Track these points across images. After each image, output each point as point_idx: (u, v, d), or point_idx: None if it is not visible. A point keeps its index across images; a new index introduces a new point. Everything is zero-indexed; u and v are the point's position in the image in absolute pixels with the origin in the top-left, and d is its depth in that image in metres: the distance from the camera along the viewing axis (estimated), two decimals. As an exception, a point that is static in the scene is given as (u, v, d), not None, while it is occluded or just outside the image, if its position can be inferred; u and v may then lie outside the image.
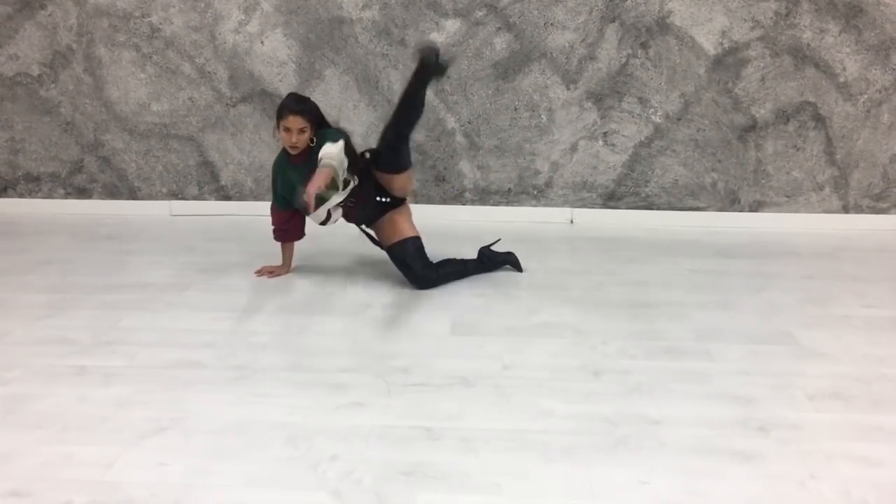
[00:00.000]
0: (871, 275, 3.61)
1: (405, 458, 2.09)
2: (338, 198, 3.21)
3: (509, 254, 3.61)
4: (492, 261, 3.57)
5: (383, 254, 3.51)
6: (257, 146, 4.52)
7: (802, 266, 3.73)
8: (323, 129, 3.24)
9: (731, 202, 4.44)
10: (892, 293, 3.37)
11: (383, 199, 3.35)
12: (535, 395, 2.43)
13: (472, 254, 3.55)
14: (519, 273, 3.58)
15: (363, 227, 3.48)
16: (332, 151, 3.02)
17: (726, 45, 4.19)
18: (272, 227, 3.47)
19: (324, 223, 3.31)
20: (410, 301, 3.24)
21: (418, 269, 3.33)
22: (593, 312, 3.12)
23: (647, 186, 4.45)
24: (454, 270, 3.47)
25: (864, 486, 1.97)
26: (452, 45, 4.26)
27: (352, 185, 3.21)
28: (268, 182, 4.54)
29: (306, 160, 3.18)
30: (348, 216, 3.36)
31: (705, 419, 2.29)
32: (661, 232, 4.33)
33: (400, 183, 3.34)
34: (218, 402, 2.39)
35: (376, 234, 3.47)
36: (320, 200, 3.12)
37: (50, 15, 4.36)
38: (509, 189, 4.49)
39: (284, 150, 3.29)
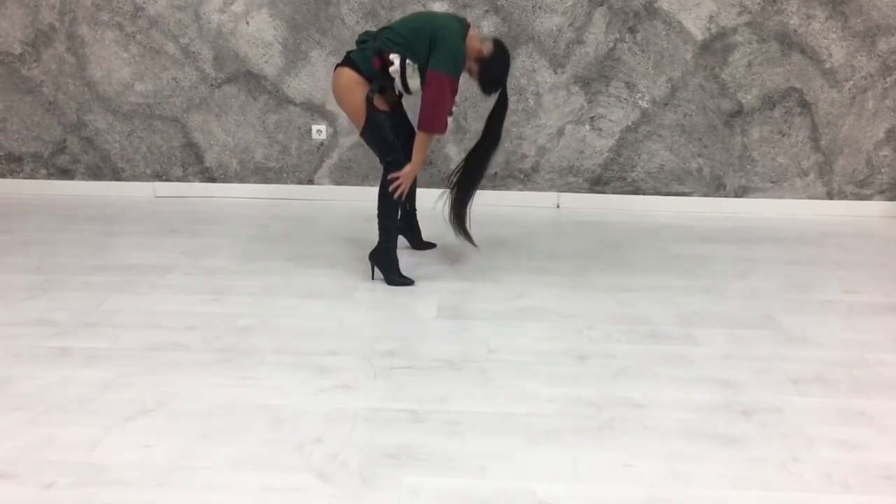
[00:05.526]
0: (854, 261, 3.64)
1: (391, 441, 2.09)
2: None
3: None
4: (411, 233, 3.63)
5: (369, 237, 3.51)
6: (242, 127, 4.48)
7: (786, 251, 3.76)
8: None
9: (717, 187, 4.46)
10: (875, 279, 3.40)
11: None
12: (520, 379, 2.44)
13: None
14: (503, 256, 3.58)
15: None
16: None
17: (713, 31, 4.19)
18: (446, 114, 3.28)
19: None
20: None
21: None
22: (579, 296, 3.14)
23: (633, 171, 4.45)
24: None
25: (845, 468, 2.00)
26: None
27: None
28: (253, 163, 4.52)
29: None
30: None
31: (689, 403, 2.31)
32: (646, 217, 4.35)
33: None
34: (203, 384, 2.38)
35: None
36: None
37: (31, -8, 4.29)
38: (496, 173, 4.48)
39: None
